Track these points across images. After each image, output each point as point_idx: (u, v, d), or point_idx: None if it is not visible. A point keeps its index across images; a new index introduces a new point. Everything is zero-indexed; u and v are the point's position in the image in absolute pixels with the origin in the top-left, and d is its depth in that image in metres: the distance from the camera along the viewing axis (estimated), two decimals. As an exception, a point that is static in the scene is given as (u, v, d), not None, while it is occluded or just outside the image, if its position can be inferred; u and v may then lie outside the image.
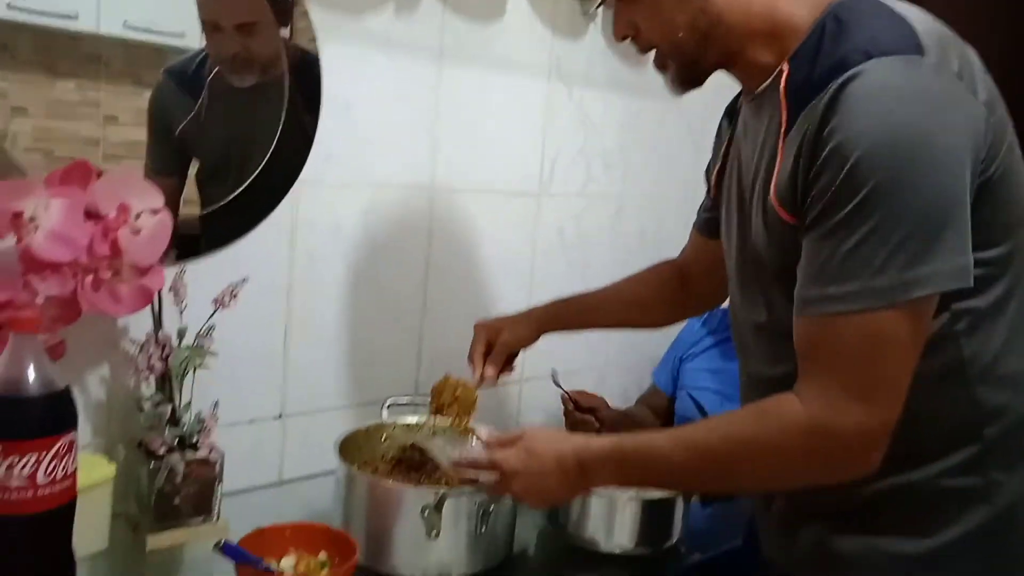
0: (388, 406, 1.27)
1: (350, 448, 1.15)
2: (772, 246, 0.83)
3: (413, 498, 1.03)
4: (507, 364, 1.19)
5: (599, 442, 0.91)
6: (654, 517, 1.17)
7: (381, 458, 1.21)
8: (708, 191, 1.09)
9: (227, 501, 1.13)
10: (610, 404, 1.55)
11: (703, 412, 1.51)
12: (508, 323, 1.20)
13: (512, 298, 1.55)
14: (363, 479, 1.06)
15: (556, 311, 1.22)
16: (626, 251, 1.76)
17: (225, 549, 0.87)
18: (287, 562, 0.98)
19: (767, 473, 0.82)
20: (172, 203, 1.08)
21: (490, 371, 1.15)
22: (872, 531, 0.84)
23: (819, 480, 0.82)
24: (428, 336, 1.47)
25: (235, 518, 1.12)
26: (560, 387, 1.47)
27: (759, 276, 0.87)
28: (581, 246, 1.69)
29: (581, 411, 1.49)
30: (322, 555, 1.00)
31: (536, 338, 1.20)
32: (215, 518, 1.11)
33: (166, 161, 1.15)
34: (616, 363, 1.80)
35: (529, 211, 1.59)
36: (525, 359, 1.25)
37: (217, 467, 1.11)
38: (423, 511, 1.02)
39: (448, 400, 1.16)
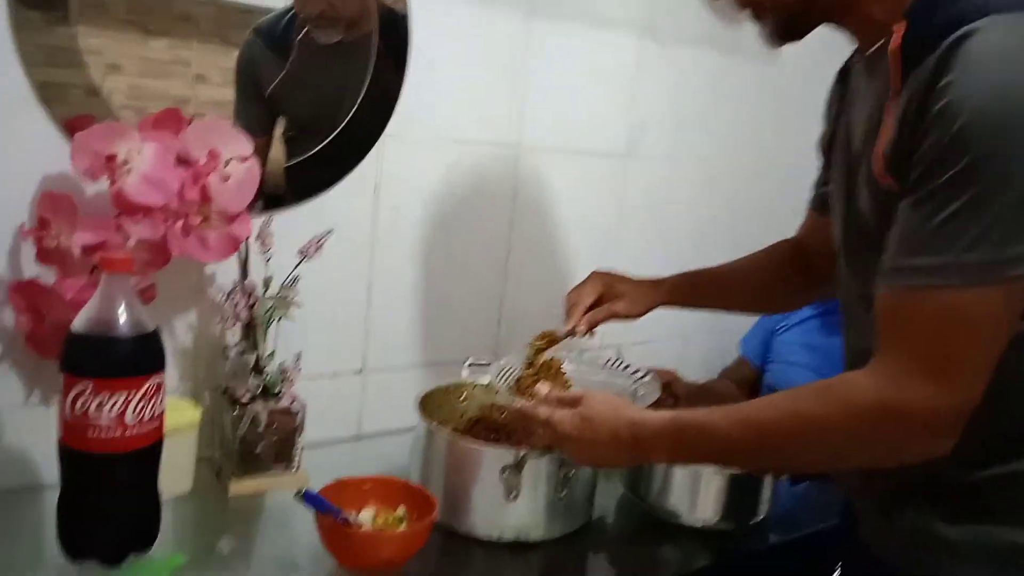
0: (469, 365, 1.26)
1: (429, 405, 1.14)
2: (877, 215, 0.78)
3: (493, 458, 1.01)
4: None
5: (655, 417, 0.86)
6: (740, 492, 1.12)
7: (460, 417, 1.20)
8: (822, 164, 1.02)
9: (306, 453, 1.13)
10: (684, 378, 1.50)
11: None
12: (630, 290, 1.11)
13: (595, 261, 1.51)
14: (443, 436, 1.05)
15: (684, 288, 1.15)
16: (715, 218, 1.69)
17: (306, 497, 0.86)
18: (366, 514, 0.97)
19: (829, 453, 0.78)
20: (259, 161, 1.07)
21: (583, 327, 1.11)
22: (984, 519, 0.78)
23: (884, 462, 0.77)
24: (509, 297, 1.44)
25: (314, 469, 1.12)
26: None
27: (866, 246, 0.81)
28: (669, 211, 1.63)
29: None
30: (400, 509, 0.99)
31: (647, 312, 1.14)
32: (295, 467, 1.12)
33: (254, 120, 1.14)
34: (700, 331, 1.74)
35: (616, 173, 1.54)
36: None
37: (299, 417, 1.11)
38: (503, 471, 1.00)
39: (533, 374, 1.12)
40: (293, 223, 1.14)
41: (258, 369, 1.10)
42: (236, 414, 1.08)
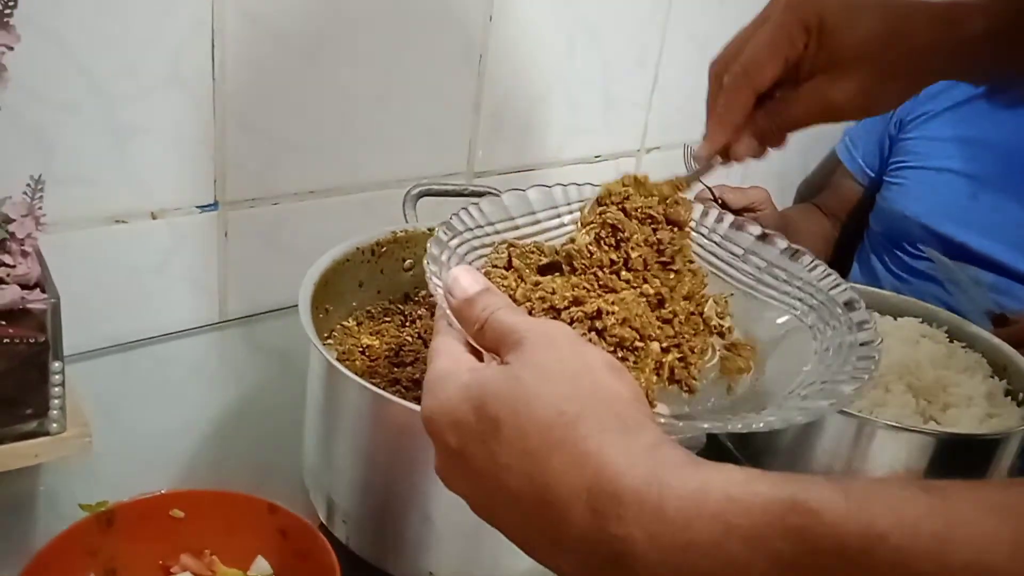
0: (416, 195, 0.66)
1: (337, 293, 0.55)
2: None
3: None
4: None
5: (737, 479, 0.26)
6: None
7: (404, 327, 0.60)
8: None
9: (81, 368, 0.55)
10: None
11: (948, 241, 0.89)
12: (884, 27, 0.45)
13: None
14: (365, 392, 0.46)
15: None
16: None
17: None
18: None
19: None
20: None
21: (744, 145, 0.45)
22: None
23: None
24: (493, 61, 0.79)
25: (107, 418, 0.54)
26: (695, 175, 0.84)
27: None
28: None
29: None
30: (258, 566, 0.43)
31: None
32: (53, 423, 0.53)
33: None
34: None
35: None
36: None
37: (48, 322, 0.51)
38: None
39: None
40: None
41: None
42: None
